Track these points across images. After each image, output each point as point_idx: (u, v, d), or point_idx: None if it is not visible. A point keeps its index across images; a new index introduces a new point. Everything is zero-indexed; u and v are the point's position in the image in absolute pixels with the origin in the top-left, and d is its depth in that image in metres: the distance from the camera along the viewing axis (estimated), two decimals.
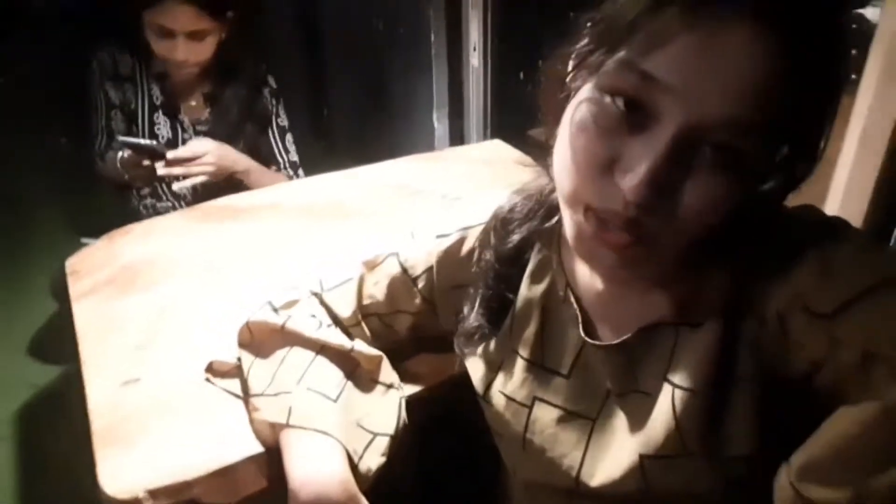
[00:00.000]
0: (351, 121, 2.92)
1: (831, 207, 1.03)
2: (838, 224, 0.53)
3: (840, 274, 0.48)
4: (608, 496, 0.62)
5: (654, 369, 0.58)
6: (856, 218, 0.99)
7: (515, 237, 0.68)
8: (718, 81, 0.45)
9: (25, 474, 1.72)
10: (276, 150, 1.87)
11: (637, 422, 0.59)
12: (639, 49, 0.47)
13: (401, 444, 0.76)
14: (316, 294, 0.81)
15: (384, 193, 1.41)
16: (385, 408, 0.77)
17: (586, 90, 0.51)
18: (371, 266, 0.80)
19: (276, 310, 0.80)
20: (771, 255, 0.53)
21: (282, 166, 1.87)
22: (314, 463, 0.67)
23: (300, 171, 1.89)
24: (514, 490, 0.77)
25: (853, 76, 0.97)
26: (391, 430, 0.75)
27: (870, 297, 0.46)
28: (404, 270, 0.78)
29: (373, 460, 0.72)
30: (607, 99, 0.49)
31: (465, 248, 0.74)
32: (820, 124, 0.49)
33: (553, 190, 0.63)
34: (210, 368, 0.84)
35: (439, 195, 1.34)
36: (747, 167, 0.46)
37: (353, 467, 0.69)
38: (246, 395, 0.77)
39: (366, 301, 0.80)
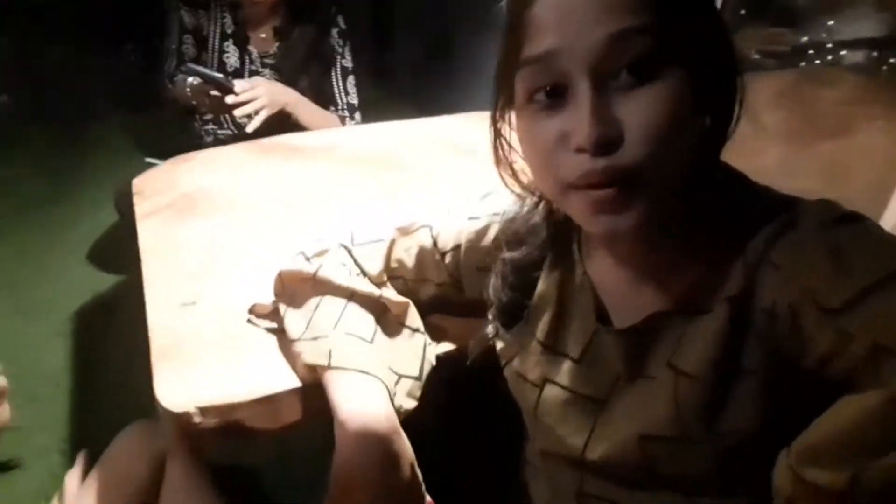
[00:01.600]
0: (415, 69, 2.92)
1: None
2: (854, 218, 0.53)
3: (851, 269, 0.48)
4: (612, 470, 0.65)
5: (661, 355, 0.61)
6: None
7: (528, 249, 0.72)
8: (583, 12, 0.51)
9: (78, 368, 1.84)
10: (337, 91, 1.89)
11: (641, 404, 0.62)
12: (520, 49, 0.54)
13: (428, 390, 0.80)
14: (345, 247, 0.85)
15: (438, 150, 1.44)
16: (410, 351, 0.81)
17: (518, 115, 0.59)
18: (405, 232, 0.84)
19: (308, 259, 0.83)
20: (783, 247, 0.54)
21: (339, 107, 1.90)
22: (358, 399, 0.72)
23: (357, 115, 1.92)
24: (531, 454, 0.81)
25: None
26: (416, 372, 0.79)
27: (880, 291, 0.46)
28: (434, 244, 0.81)
29: (402, 400, 0.77)
30: (530, 105, 0.56)
31: (490, 235, 0.77)
32: (695, 12, 0.53)
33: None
34: (252, 310, 0.89)
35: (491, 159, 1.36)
36: (661, 70, 0.51)
37: (391, 403, 0.74)
38: (286, 341, 0.82)
39: (393, 264, 0.84)
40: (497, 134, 0.65)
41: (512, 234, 0.74)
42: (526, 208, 0.73)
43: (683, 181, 0.55)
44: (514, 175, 0.67)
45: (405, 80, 3.06)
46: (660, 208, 0.54)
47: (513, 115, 0.61)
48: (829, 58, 1.56)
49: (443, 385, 0.83)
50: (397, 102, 3.02)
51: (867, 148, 1.28)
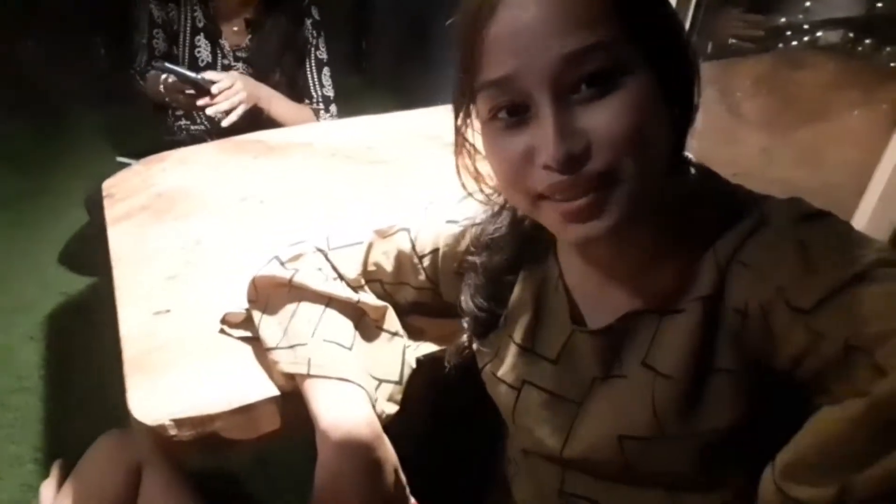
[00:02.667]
0: (391, 60, 2.89)
1: (859, 220, 1.02)
2: (821, 215, 0.53)
3: (821, 267, 0.49)
4: (592, 468, 0.66)
5: (635, 355, 0.61)
6: (886, 229, 0.99)
7: (500, 256, 0.72)
8: (534, 35, 0.51)
9: (51, 374, 1.81)
10: (312, 83, 1.87)
11: (618, 404, 0.62)
12: (477, 70, 0.55)
13: (410, 393, 0.79)
14: (321, 250, 0.83)
15: (416, 143, 1.42)
16: (389, 355, 0.80)
17: (482, 130, 0.59)
18: (382, 235, 0.83)
19: (282, 263, 0.81)
20: (753, 247, 0.54)
21: (314, 100, 1.87)
22: (340, 407, 0.71)
23: (332, 108, 1.89)
24: (513, 451, 0.81)
25: None
26: (395, 376, 0.79)
27: (849, 289, 0.47)
28: (413, 247, 0.81)
29: (384, 405, 0.76)
30: (494, 122, 0.56)
31: (467, 240, 0.77)
32: (644, 18, 0.53)
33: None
34: (224, 320, 0.87)
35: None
36: (620, 79, 0.51)
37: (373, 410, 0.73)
38: (262, 349, 0.80)
39: (371, 268, 0.83)
40: (460, 143, 0.65)
41: (483, 241, 0.74)
42: (496, 215, 0.73)
43: (656, 175, 0.55)
44: (478, 180, 0.67)
45: (383, 69, 3.04)
46: (634, 207, 0.54)
47: (475, 121, 0.61)
48: (806, 39, 1.56)
49: (424, 387, 0.82)
50: (375, 91, 3.00)
51: (846, 133, 1.28)
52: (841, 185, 1.14)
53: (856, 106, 1.30)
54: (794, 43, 1.58)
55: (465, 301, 0.75)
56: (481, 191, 0.68)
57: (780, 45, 1.61)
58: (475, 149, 0.64)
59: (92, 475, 0.92)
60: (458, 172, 0.66)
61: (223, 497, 1.03)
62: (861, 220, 1.01)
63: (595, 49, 0.50)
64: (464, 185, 0.67)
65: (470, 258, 0.75)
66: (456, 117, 0.63)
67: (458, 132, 0.64)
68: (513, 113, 0.54)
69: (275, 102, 1.76)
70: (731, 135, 1.37)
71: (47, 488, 1.01)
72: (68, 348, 1.87)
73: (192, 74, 1.61)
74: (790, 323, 0.50)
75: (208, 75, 1.62)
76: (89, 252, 1.33)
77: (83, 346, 1.78)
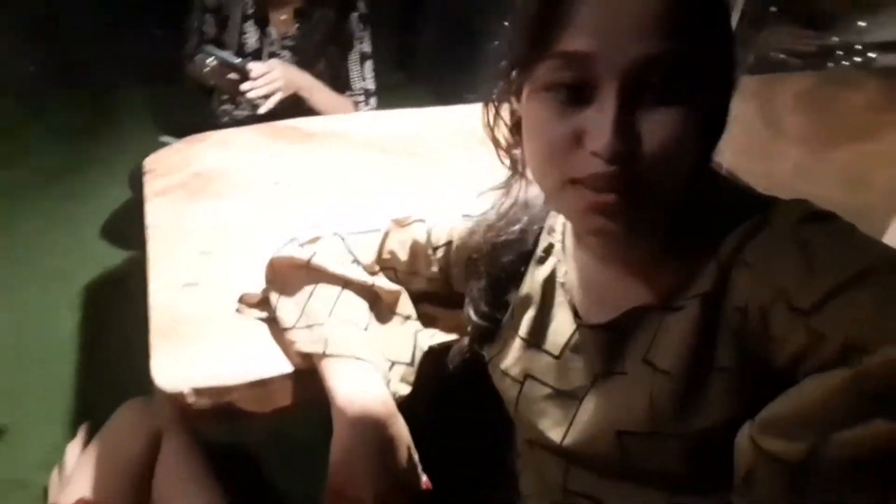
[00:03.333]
0: (436, 60, 2.90)
1: (889, 239, 1.00)
2: (825, 216, 0.53)
3: (821, 268, 0.49)
4: (592, 462, 0.66)
5: (637, 351, 0.61)
6: None
7: (509, 253, 0.73)
8: (628, 26, 0.50)
9: (84, 341, 1.87)
10: (354, 75, 1.89)
11: (617, 400, 0.63)
12: (553, 38, 0.53)
13: (421, 378, 0.81)
14: (339, 235, 0.85)
15: (452, 138, 1.42)
16: (402, 338, 0.82)
17: (530, 98, 0.57)
18: (399, 224, 0.84)
19: (301, 245, 0.83)
20: (755, 246, 0.54)
21: (355, 92, 1.89)
22: (356, 385, 0.73)
23: (373, 100, 1.91)
24: (520, 443, 0.81)
25: None
26: (408, 358, 0.80)
27: (849, 289, 0.47)
28: (428, 238, 0.82)
29: (397, 386, 0.78)
30: (549, 93, 0.55)
31: (478, 237, 0.77)
32: (721, 42, 0.54)
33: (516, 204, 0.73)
34: (241, 300, 0.89)
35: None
36: (684, 95, 0.52)
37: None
38: (279, 329, 0.83)
39: (386, 255, 0.84)
40: (496, 111, 0.65)
41: (494, 236, 0.74)
42: (508, 208, 0.74)
43: (680, 189, 0.55)
44: (505, 151, 0.68)
45: (427, 67, 3.05)
46: (655, 215, 0.55)
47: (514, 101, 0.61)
48: (858, 60, 1.53)
49: (435, 375, 0.83)
50: (417, 88, 3.01)
51: (886, 155, 1.25)
52: (877, 206, 1.12)
53: None
54: (845, 63, 1.55)
55: (468, 310, 0.76)
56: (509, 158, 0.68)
57: (830, 65, 1.58)
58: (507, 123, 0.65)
59: (114, 439, 0.95)
60: (495, 141, 0.66)
61: (241, 470, 1.05)
62: (892, 240, 0.99)
63: (677, 59, 0.51)
64: (499, 156, 0.68)
65: (475, 255, 0.76)
66: (505, 81, 0.61)
67: (501, 99, 0.63)
68: (572, 93, 0.53)
69: (316, 92, 1.78)
70: (767, 149, 1.35)
71: (73, 449, 1.05)
72: (103, 317, 1.93)
73: (232, 59, 1.65)
74: (790, 323, 0.49)
75: (251, 65, 1.65)
76: (130, 227, 1.37)
77: (117, 315, 1.82)
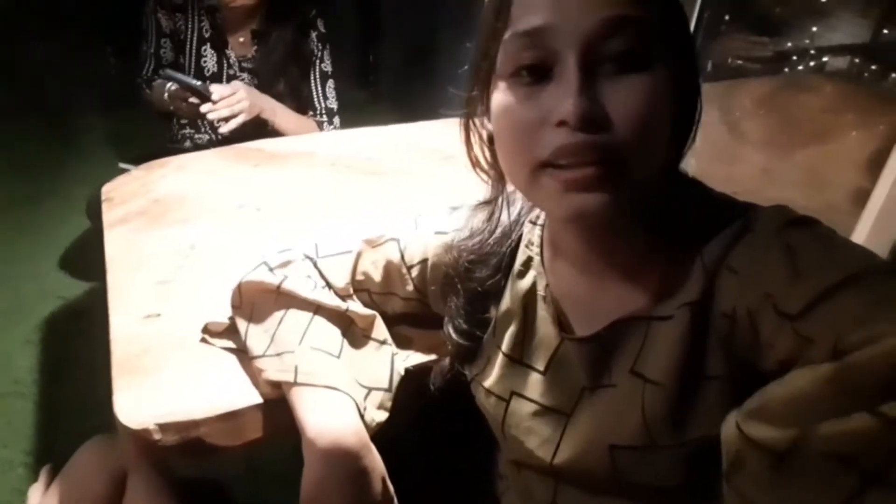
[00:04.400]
0: (397, 75, 2.91)
1: (856, 239, 1.02)
2: (807, 222, 0.54)
3: (808, 272, 0.49)
4: (583, 479, 0.65)
5: (624, 363, 0.60)
6: (884, 246, 0.99)
7: (487, 269, 0.72)
8: None
9: (45, 378, 1.81)
10: (315, 95, 1.88)
11: (607, 414, 0.61)
12: (510, 22, 0.53)
13: (399, 401, 0.78)
14: (310, 258, 0.83)
15: (415, 155, 1.42)
16: (378, 363, 0.80)
17: (496, 92, 0.57)
18: (372, 244, 0.82)
19: (271, 269, 0.81)
20: (740, 252, 0.54)
21: (318, 112, 1.88)
22: (327, 415, 0.70)
23: (336, 120, 1.90)
24: (503, 465, 0.80)
25: None
26: (385, 384, 0.78)
27: (836, 294, 0.46)
28: (402, 257, 0.80)
29: (374, 413, 0.75)
30: (513, 80, 0.55)
31: (453, 253, 0.76)
32: (672, 8, 0.54)
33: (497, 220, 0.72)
34: (206, 329, 0.86)
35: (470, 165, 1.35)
36: (647, 64, 0.52)
37: (361, 418, 0.73)
38: (247, 357, 0.80)
39: (359, 277, 0.82)
40: (469, 115, 0.64)
41: (469, 252, 0.73)
42: (484, 224, 0.73)
43: (655, 177, 0.54)
44: (478, 163, 0.67)
45: (389, 83, 3.06)
46: (629, 198, 0.53)
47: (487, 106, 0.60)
48: (812, 64, 1.57)
49: (412, 398, 0.81)
50: (379, 106, 3.01)
51: (845, 155, 1.28)
52: (839, 206, 1.13)
53: (855, 129, 1.30)
54: (800, 67, 1.58)
55: (448, 329, 0.75)
56: (483, 169, 0.68)
57: (786, 70, 1.62)
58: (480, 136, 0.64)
59: (76, 480, 0.91)
60: (467, 144, 0.66)
61: None
62: (859, 239, 1.01)
63: (633, 23, 0.51)
64: (472, 161, 0.67)
65: (451, 272, 0.74)
66: (472, 86, 0.61)
67: (471, 103, 0.62)
68: (534, 74, 0.53)
69: (279, 113, 1.76)
70: (730, 154, 1.36)
71: (35, 493, 1.01)
72: (63, 352, 1.87)
73: (194, 82, 1.63)
74: (778, 328, 0.49)
75: (213, 87, 1.63)
76: (90, 257, 1.33)
77: (78, 350, 1.78)
